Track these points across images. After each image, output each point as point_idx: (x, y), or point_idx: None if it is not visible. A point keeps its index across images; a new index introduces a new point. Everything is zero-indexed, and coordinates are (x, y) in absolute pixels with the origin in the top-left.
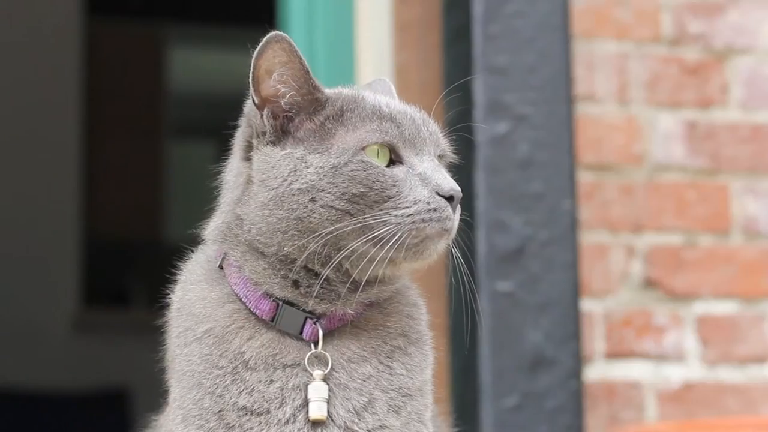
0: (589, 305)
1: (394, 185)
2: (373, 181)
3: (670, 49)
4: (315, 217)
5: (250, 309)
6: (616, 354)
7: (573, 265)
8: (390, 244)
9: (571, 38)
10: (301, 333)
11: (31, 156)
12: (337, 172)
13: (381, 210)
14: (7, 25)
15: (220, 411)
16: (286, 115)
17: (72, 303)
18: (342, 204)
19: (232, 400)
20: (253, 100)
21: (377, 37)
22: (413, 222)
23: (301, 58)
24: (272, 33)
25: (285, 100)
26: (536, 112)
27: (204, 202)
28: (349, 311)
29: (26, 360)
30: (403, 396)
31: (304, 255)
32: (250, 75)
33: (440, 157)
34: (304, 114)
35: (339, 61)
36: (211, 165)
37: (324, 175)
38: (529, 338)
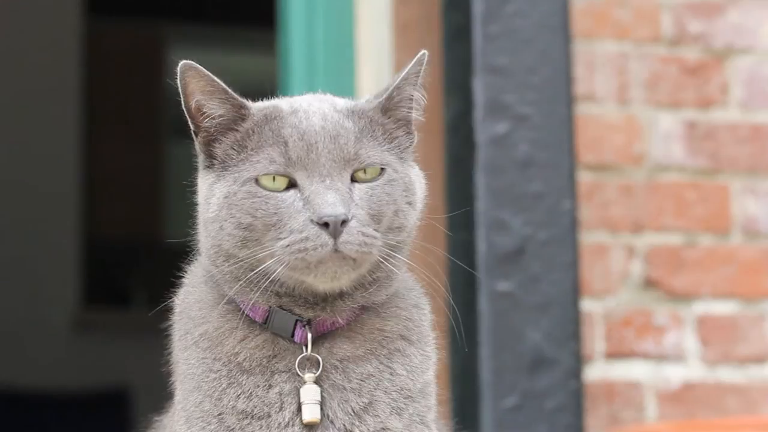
0: (589, 305)
1: (275, 213)
2: (257, 210)
3: (670, 49)
4: (227, 244)
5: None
6: (616, 354)
7: (573, 265)
8: (278, 272)
9: (571, 38)
10: (292, 336)
11: (31, 156)
12: (229, 202)
13: (269, 239)
14: (7, 24)
15: (219, 414)
16: (212, 139)
17: (72, 303)
18: (241, 233)
19: (231, 403)
20: (191, 128)
21: (377, 37)
22: (291, 253)
23: (213, 80)
24: (181, 63)
25: (206, 124)
26: (536, 112)
27: None
28: (339, 320)
29: (26, 360)
30: (404, 398)
31: (239, 280)
32: (183, 105)
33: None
34: (223, 137)
35: (339, 61)
36: None
37: (222, 206)
38: (529, 338)
